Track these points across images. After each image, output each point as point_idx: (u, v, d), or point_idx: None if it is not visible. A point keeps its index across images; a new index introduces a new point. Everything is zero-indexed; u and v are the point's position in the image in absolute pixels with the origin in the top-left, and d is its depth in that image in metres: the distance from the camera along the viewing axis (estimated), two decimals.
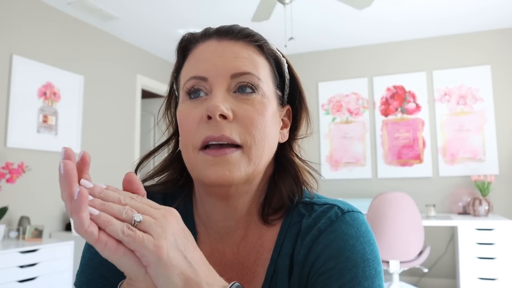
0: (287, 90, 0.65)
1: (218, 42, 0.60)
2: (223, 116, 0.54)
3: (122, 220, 0.41)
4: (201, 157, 0.56)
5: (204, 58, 0.59)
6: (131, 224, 0.41)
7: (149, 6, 3.46)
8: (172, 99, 0.67)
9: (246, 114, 0.56)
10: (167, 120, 0.67)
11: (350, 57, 4.54)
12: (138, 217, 0.41)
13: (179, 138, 0.61)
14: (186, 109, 0.58)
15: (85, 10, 3.46)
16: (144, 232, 0.41)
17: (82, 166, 0.44)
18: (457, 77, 4.12)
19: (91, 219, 0.40)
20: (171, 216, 0.44)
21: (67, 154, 0.41)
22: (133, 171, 0.65)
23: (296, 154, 0.67)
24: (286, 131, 0.66)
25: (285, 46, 3.29)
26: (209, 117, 0.54)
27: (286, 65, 0.64)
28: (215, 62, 0.57)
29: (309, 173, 0.66)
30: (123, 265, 0.42)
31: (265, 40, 0.62)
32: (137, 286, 0.44)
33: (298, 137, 0.67)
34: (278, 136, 0.63)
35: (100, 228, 0.40)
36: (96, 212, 0.40)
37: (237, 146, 0.56)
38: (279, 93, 0.63)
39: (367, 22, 3.86)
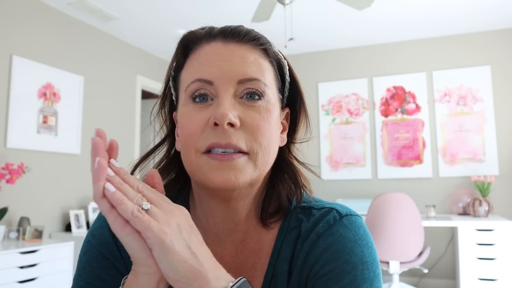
0: (287, 93, 0.64)
1: (224, 44, 0.58)
2: (231, 124, 0.53)
3: None
4: (204, 161, 0.55)
5: (209, 60, 0.57)
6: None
7: (149, 7, 3.46)
8: (167, 98, 0.65)
9: (253, 122, 0.55)
10: (161, 119, 0.66)
11: (350, 58, 4.54)
12: (146, 205, 0.46)
13: (179, 140, 0.60)
14: (190, 113, 0.56)
15: (85, 10, 3.47)
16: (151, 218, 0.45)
17: (110, 151, 0.50)
18: (457, 77, 4.12)
19: (106, 195, 0.45)
20: (179, 211, 0.48)
21: (98, 133, 0.48)
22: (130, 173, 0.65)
23: (294, 157, 0.66)
24: (285, 135, 0.65)
25: (285, 46, 3.29)
26: (216, 124, 0.53)
27: (287, 67, 0.63)
28: (222, 66, 0.56)
29: (309, 172, 0.66)
30: (128, 244, 0.46)
31: (269, 43, 0.61)
32: (140, 272, 0.47)
33: (297, 141, 0.67)
34: (279, 140, 0.62)
35: (112, 206, 0.45)
36: (112, 189, 0.45)
37: (243, 152, 0.55)
38: (280, 96, 0.63)
39: (367, 22, 3.86)
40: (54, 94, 3.36)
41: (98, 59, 3.85)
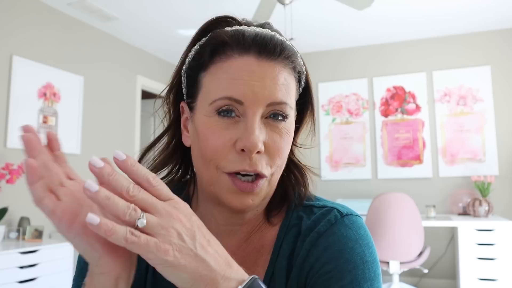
0: (297, 96, 0.64)
1: (257, 62, 0.55)
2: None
3: (124, 222, 0.39)
4: (225, 181, 0.56)
5: (241, 78, 0.54)
6: (134, 227, 0.40)
7: (149, 7, 3.46)
8: (174, 86, 0.64)
9: (275, 145, 0.56)
10: (165, 107, 0.65)
11: (350, 58, 4.54)
12: (141, 222, 0.40)
13: (197, 147, 0.59)
14: (215, 127, 0.55)
15: (85, 10, 3.47)
16: (148, 234, 0.40)
17: (50, 144, 0.46)
18: (457, 77, 4.12)
19: (90, 228, 0.38)
20: (177, 212, 0.43)
21: (26, 129, 0.43)
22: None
23: (296, 158, 0.67)
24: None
25: None
26: (243, 150, 0.54)
27: (304, 73, 0.63)
28: (254, 88, 0.54)
29: (311, 174, 0.67)
30: (77, 246, 0.42)
31: (297, 58, 0.60)
32: (94, 272, 0.44)
33: (301, 146, 0.68)
34: None
35: (57, 198, 0.41)
36: (97, 220, 0.38)
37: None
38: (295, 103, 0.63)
39: (367, 22, 3.86)
40: (54, 94, 3.36)
41: (98, 59, 3.84)
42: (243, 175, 0.55)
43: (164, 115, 0.65)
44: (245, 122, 0.54)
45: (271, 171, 0.57)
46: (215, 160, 0.55)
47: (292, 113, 0.59)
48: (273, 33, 0.58)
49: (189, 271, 0.41)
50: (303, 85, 0.63)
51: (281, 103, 0.56)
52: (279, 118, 0.56)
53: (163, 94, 0.65)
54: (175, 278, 0.42)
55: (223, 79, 0.55)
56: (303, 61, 0.62)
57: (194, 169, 0.63)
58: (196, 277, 0.42)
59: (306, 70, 0.63)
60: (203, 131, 0.56)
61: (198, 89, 0.59)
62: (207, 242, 0.44)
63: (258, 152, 0.54)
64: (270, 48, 0.56)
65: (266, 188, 0.58)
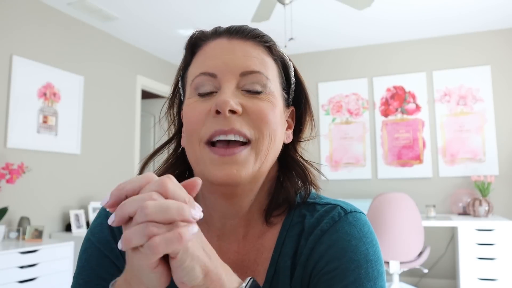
0: (292, 93, 0.66)
1: (228, 41, 0.60)
2: (232, 111, 0.55)
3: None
4: (207, 154, 0.56)
5: (214, 54, 0.59)
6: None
7: (149, 6, 3.46)
8: (176, 98, 0.67)
9: (257, 108, 0.56)
10: (169, 119, 0.67)
11: (350, 58, 4.54)
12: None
13: (184, 133, 0.61)
14: (194, 104, 0.58)
15: (85, 10, 3.46)
16: None
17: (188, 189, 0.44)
18: (457, 77, 4.12)
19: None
20: None
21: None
22: (138, 172, 0.66)
23: (300, 156, 0.67)
24: (290, 132, 0.66)
25: (285, 46, 3.29)
26: (218, 112, 0.55)
27: (292, 68, 0.65)
28: (225, 60, 0.58)
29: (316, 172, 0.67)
30: (148, 278, 0.41)
31: (273, 42, 0.62)
32: (136, 286, 0.43)
33: (303, 140, 0.68)
34: (284, 136, 0.63)
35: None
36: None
37: (245, 143, 0.56)
38: (285, 95, 0.64)
39: (367, 22, 3.86)
40: (54, 94, 3.36)
41: (98, 59, 3.84)
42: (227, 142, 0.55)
43: (168, 127, 0.68)
44: (220, 92, 0.57)
45: (256, 136, 0.56)
46: (196, 133, 0.57)
47: (272, 87, 0.59)
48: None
49: (201, 263, 0.41)
50: (293, 80, 0.65)
51: (254, 71, 0.57)
52: (257, 89, 0.57)
53: (165, 107, 0.68)
54: (189, 271, 0.41)
55: (199, 61, 0.61)
56: (288, 57, 0.65)
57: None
58: (205, 272, 0.42)
59: (294, 66, 0.65)
60: (185, 111, 0.59)
61: (185, 82, 0.63)
62: (207, 243, 0.45)
63: (234, 113, 0.55)
64: (239, 30, 0.61)
65: (253, 159, 0.56)
